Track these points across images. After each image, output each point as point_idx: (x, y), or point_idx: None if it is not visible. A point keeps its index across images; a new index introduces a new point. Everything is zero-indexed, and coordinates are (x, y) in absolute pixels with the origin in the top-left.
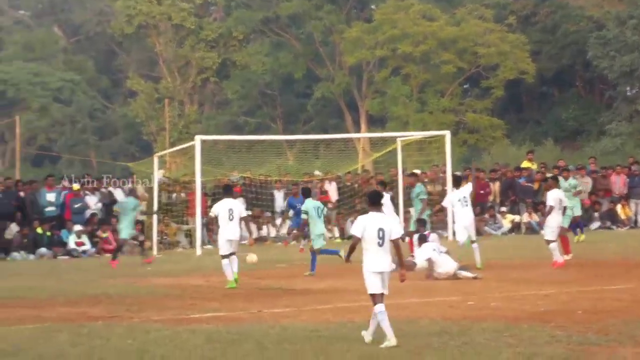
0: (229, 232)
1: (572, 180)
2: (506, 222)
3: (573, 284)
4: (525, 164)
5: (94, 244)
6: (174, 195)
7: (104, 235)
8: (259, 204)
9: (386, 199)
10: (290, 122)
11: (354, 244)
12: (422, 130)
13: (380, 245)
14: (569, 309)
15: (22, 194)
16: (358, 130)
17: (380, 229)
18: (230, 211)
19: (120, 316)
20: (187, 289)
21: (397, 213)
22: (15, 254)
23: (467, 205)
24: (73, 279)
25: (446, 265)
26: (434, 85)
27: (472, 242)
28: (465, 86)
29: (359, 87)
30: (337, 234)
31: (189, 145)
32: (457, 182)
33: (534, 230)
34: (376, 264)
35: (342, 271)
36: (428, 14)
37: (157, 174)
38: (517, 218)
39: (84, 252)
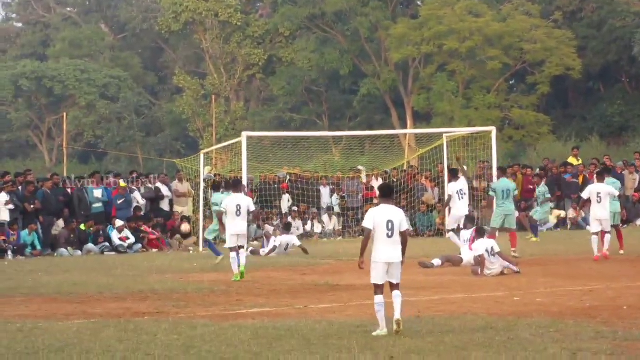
0: (236, 226)
1: (541, 188)
2: (552, 218)
3: (619, 279)
4: (570, 160)
5: (139, 239)
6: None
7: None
8: (305, 200)
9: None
10: (336, 119)
11: (366, 238)
12: (468, 126)
13: (389, 236)
14: (615, 304)
15: (69, 190)
16: (404, 127)
17: (390, 221)
18: (237, 206)
19: (167, 312)
20: (233, 285)
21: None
22: (62, 250)
23: (463, 198)
24: (120, 275)
25: (495, 267)
26: (479, 81)
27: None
28: (511, 82)
29: (404, 83)
30: None
31: (235, 141)
32: (454, 175)
33: (579, 225)
34: (384, 254)
35: None
36: (474, 10)
37: (204, 171)
38: (562, 214)
39: (130, 247)
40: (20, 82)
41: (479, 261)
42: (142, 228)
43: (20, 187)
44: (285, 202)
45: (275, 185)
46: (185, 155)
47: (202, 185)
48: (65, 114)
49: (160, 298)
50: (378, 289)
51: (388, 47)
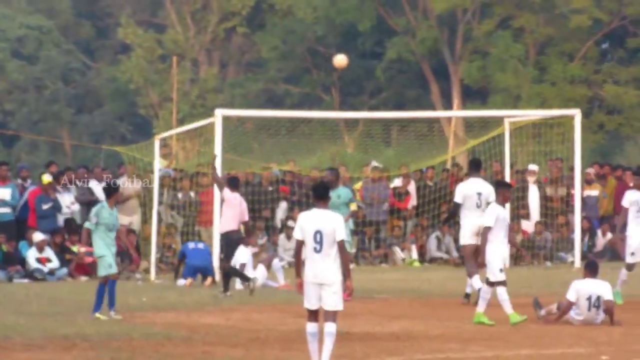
0: None
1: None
2: None
3: None
4: None
5: (64, 262)
6: (180, 194)
7: (74, 248)
8: (302, 210)
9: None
10: (350, 94)
11: (297, 251)
12: (541, 107)
13: (317, 251)
14: None
15: None
16: (448, 107)
17: (318, 232)
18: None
19: None
20: (197, 330)
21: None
22: None
23: (479, 207)
24: (36, 313)
25: (588, 313)
26: (558, 44)
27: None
28: (603, 46)
29: (450, 45)
30: (414, 254)
31: (206, 123)
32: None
33: None
34: (312, 273)
35: (421, 309)
36: None
37: (158, 164)
38: None
39: (51, 273)
40: None
41: (565, 306)
42: (75, 247)
43: None
44: (282, 212)
45: (270, 188)
46: (132, 141)
47: (157, 184)
48: None
49: (92, 346)
50: (311, 315)
51: None
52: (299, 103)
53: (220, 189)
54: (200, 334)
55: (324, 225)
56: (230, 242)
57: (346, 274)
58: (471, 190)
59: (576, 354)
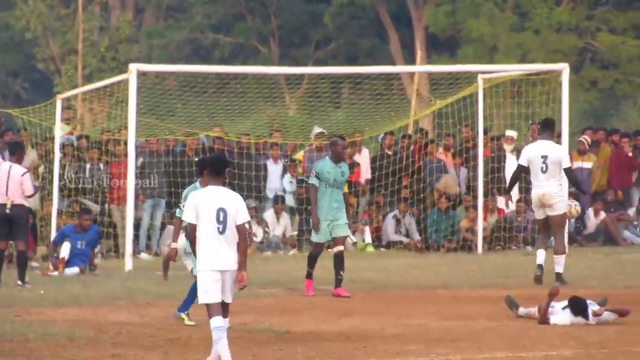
0: None
1: None
2: None
3: None
4: None
5: None
6: (88, 166)
7: None
8: (240, 185)
9: None
10: (292, 45)
11: (193, 237)
12: (521, 61)
13: (221, 232)
14: None
15: None
16: (410, 61)
17: (221, 209)
18: None
19: None
20: (106, 329)
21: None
22: None
23: (545, 172)
24: None
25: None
26: None
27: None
28: None
29: None
30: (368, 237)
31: (119, 80)
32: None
33: None
34: (215, 259)
35: (375, 304)
36: None
37: (60, 130)
38: None
39: None
40: None
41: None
42: None
43: None
44: None
45: (197, 159)
46: (28, 102)
47: (58, 154)
48: None
49: None
50: (213, 309)
51: None
52: (230, 56)
53: None
54: (109, 333)
55: (227, 203)
56: None
57: (242, 263)
58: (535, 153)
59: (561, 357)
